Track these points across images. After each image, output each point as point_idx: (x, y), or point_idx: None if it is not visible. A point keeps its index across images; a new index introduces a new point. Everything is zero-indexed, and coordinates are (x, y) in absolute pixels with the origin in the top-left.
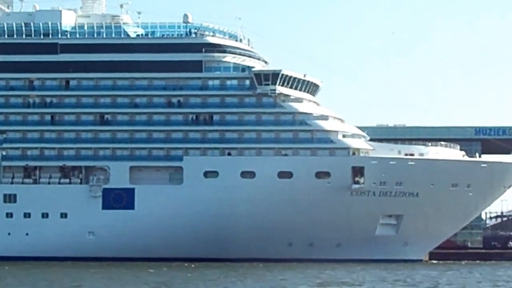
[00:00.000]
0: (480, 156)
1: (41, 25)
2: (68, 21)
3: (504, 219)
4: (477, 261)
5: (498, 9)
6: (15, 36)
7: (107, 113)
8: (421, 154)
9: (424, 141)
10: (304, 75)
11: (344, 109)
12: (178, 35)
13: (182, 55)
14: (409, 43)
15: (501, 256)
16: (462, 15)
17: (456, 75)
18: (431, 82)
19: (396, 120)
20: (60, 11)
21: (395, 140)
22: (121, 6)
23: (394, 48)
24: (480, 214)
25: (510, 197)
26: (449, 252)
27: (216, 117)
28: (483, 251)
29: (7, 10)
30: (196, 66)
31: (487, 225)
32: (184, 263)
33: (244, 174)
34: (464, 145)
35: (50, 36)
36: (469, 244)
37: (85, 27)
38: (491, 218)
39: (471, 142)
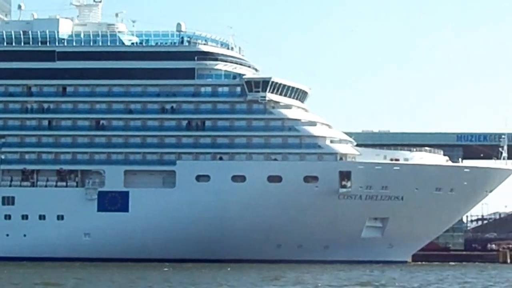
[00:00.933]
0: (461, 161)
1: (39, 33)
2: (65, 29)
3: (485, 222)
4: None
5: (481, 19)
6: (13, 44)
7: (103, 119)
8: (406, 159)
9: (408, 146)
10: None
11: (332, 115)
12: (171, 43)
13: (175, 62)
14: (394, 52)
15: (481, 258)
16: (446, 25)
17: (439, 83)
18: (415, 90)
19: (381, 126)
20: (58, 19)
21: (381, 146)
22: (117, 15)
23: (380, 57)
24: (462, 217)
25: (490, 200)
26: (432, 254)
27: (208, 123)
28: (464, 253)
29: (5, 18)
30: (189, 73)
31: (468, 228)
32: (178, 263)
33: (235, 178)
34: (446, 150)
35: (48, 44)
36: (451, 246)
37: (82, 35)
38: (472, 221)
39: (453, 148)
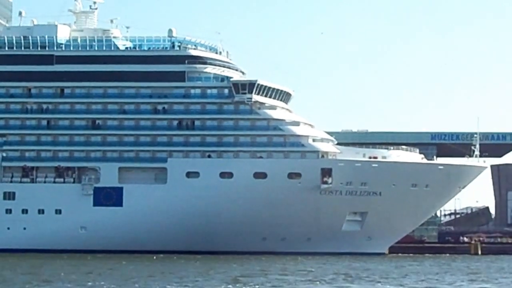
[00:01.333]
0: (436, 159)
1: (38, 38)
2: (63, 34)
3: (457, 216)
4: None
5: (455, 20)
6: (14, 48)
7: (98, 119)
8: (384, 157)
9: (386, 145)
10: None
11: (313, 115)
12: (163, 48)
13: (167, 66)
14: (371, 54)
15: (454, 250)
16: (422, 27)
17: (414, 84)
18: (391, 91)
19: (359, 126)
20: (56, 25)
21: (360, 144)
22: (112, 21)
23: (359, 60)
24: (436, 212)
25: (463, 196)
26: (407, 246)
27: (197, 123)
28: (438, 245)
29: (6, 24)
30: (180, 76)
31: (442, 222)
32: (169, 255)
33: (223, 175)
34: (421, 149)
35: (47, 48)
36: (425, 239)
37: (79, 40)
38: (445, 215)
39: (428, 146)
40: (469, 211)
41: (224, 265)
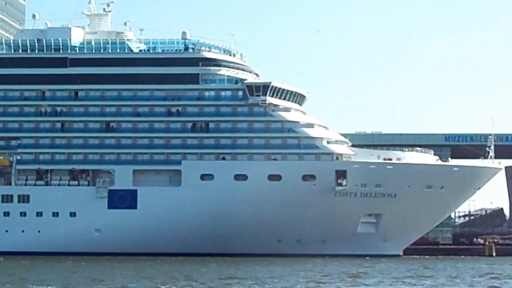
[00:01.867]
0: (449, 161)
1: (52, 41)
2: (76, 37)
3: (472, 217)
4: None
5: (470, 21)
6: (28, 51)
7: (112, 121)
8: (399, 159)
9: (399, 147)
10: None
11: (328, 117)
12: (177, 50)
13: (181, 68)
14: (385, 56)
15: (468, 251)
16: (436, 28)
17: (428, 85)
18: (405, 92)
19: (372, 127)
20: (70, 28)
21: (374, 146)
22: (125, 23)
23: (373, 62)
24: (450, 213)
25: (477, 197)
26: (422, 248)
27: (211, 125)
28: (452, 247)
29: (19, 27)
30: (193, 78)
31: (456, 223)
32: (184, 257)
33: (237, 177)
34: (435, 150)
35: (61, 51)
36: (439, 241)
37: (92, 43)
38: (459, 217)
39: (442, 148)
40: (484, 213)
41: (248, 268)
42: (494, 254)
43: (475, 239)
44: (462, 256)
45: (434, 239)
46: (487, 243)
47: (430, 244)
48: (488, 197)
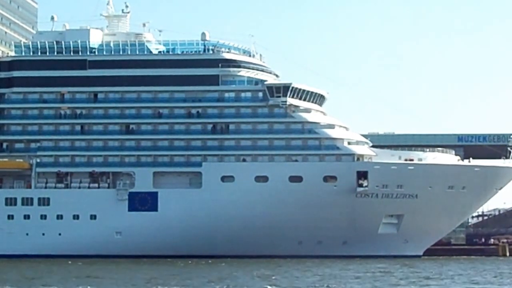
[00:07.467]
0: (470, 161)
1: (71, 43)
2: (95, 39)
3: (485, 218)
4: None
5: (485, 19)
6: (47, 53)
7: (132, 123)
8: (420, 159)
9: (412, 147)
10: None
11: (349, 117)
12: (196, 51)
13: (200, 70)
14: (400, 58)
15: (482, 252)
16: (452, 27)
17: (442, 86)
18: (420, 92)
19: (385, 128)
20: (88, 30)
21: (395, 147)
22: (144, 25)
23: (391, 63)
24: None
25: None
26: (436, 248)
27: (232, 127)
28: (466, 247)
29: (32, 30)
30: (213, 80)
31: (470, 224)
32: (204, 260)
33: (258, 179)
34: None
35: (79, 53)
36: (453, 241)
37: (111, 45)
38: (473, 217)
39: (455, 148)
40: (497, 213)
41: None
42: (507, 254)
43: (488, 239)
44: (474, 257)
45: (448, 240)
46: (500, 243)
47: (443, 244)
48: (501, 197)
